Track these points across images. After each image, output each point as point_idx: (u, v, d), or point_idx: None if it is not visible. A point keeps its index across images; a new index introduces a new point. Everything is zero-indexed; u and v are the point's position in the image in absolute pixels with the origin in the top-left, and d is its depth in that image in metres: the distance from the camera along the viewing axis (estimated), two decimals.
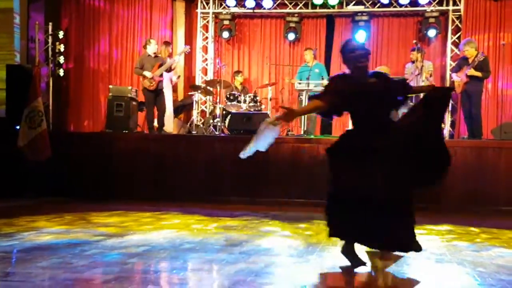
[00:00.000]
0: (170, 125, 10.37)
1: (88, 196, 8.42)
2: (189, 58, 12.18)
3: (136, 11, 12.03)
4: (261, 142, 4.18)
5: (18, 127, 8.60)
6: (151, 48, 10.02)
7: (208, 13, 12.28)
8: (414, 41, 10.65)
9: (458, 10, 11.19)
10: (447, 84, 11.03)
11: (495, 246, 5.26)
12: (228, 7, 11.98)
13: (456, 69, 9.57)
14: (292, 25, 11.93)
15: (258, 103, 10.59)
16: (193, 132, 10.29)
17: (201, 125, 11.13)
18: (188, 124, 11.22)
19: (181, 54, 10.90)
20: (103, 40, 12.03)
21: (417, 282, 3.87)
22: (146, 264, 4.19)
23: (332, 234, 4.11)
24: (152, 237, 5.38)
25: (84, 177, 8.77)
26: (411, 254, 4.22)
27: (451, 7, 11.24)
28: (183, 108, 11.65)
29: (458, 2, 11.20)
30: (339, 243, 4.42)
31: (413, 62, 10.03)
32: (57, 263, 4.09)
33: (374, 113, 4.04)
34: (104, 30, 12.02)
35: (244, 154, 4.24)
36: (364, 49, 4.21)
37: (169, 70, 10.28)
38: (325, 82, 10.18)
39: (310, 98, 4.20)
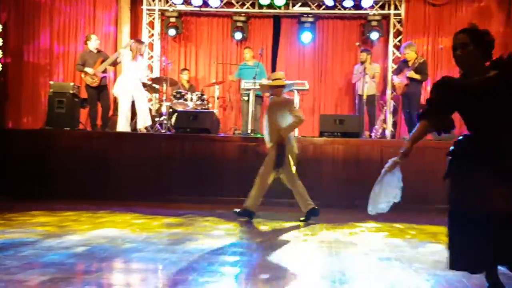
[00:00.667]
0: (147, 123, 10.03)
1: (27, 195, 8.14)
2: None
3: (79, 6, 11.79)
4: (388, 192, 4.00)
5: None
6: (92, 44, 9.85)
7: (154, 10, 12.16)
8: (357, 43, 10.86)
9: (399, 14, 11.51)
10: (389, 86, 11.28)
11: (432, 243, 5.43)
12: (175, 4, 11.90)
13: (397, 72, 9.83)
14: (239, 24, 11.96)
15: (205, 102, 10.57)
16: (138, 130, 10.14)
17: None
18: (133, 122, 11.05)
19: (126, 47, 10.73)
20: (44, 35, 11.72)
21: (357, 278, 3.96)
22: (85, 264, 4.11)
23: (457, 267, 3.41)
24: (92, 236, 5.27)
25: (22, 176, 8.47)
26: (351, 251, 4.30)
27: (392, 11, 11.54)
28: None
29: (399, 7, 11.52)
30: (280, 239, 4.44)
31: (362, 63, 10.20)
32: None
33: (497, 114, 3.36)
34: (44, 25, 11.71)
35: (373, 210, 3.95)
36: None
37: (114, 64, 10.10)
38: (265, 81, 10.25)
39: (418, 117, 3.66)
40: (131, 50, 9.64)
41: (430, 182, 8.10)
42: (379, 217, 6.79)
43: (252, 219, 6.60)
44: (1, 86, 11.44)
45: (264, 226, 6.31)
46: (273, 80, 6.84)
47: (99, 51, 9.96)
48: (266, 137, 6.78)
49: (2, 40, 10.81)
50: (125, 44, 10.78)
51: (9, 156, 8.58)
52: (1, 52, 10.81)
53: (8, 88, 11.61)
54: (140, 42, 9.95)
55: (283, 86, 6.76)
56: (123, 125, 9.48)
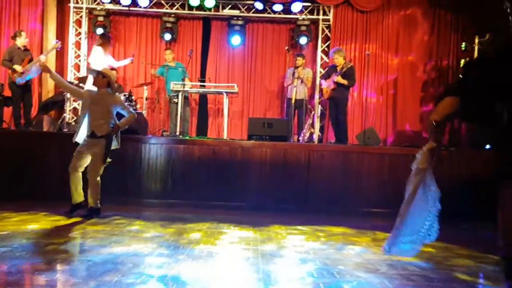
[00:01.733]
0: None
1: None
2: (61, 53, 11.73)
3: (2, 3, 11.36)
4: (417, 221, 3.20)
5: None
6: (21, 41, 9.58)
7: (81, 8, 11.90)
8: (286, 47, 11.04)
9: (328, 20, 11.77)
10: (317, 90, 11.53)
11: (355, 245, 5.61)
12: (103, 3, 11.70)
13: (325, 76, 10.06)
14: (168, 25, 11.90)
15: (133, 102, 10.43)
16: (65, 130, 9.92)
17: (73, 123, 10.74)
18: (59, 121, 10.79)
19: (51, 50, 10.47)
20: None
21: (282, 280, 4.05)
22: (7, 265, 4.00)
23: None
24: (15, 237, 5.12)
25: None
26: (278, 253, 4.37)
27: (321, 17, 11.79)
28: (53, 105, 11.17)
29: (327, 12, 11.78)
30: (203, 241, 4.46)
31: (296, 67, 10.34)
32: None
33: None
34: None
35: (392, 250, 3.31)
36: None
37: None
38: (187, 82, 10.25)
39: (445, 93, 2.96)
40: (101, 46, 9.49)
41: (355, 185, 8.37)
42: (302, 221, 7.05)
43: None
44: None
45: (190, 227, 6.32)
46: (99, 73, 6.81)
47: (26, 49, 9.67)
48: (84, 129, 6.71)
49: None
50: (50, 47, 10.49)
51: None
52: None
53: None
54: (106, 37, 9.86)
55: (109, 79, 6.70)
56: None
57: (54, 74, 6.85)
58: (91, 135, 6.59)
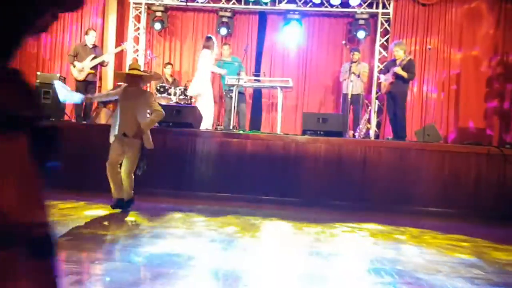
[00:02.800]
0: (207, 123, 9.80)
1: None
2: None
3: None
4: None
5: None
6: (89, 39, 9.86)
7: (140, 3, 12.06)
8: (343, 42, 10.84)
9: (388, 13, 11.49)
10: (374, 85, 11.29)
11: (414, 245, 5.42)
12: None
13: (384, 71, 9.83)
14: (224, 20, 11.89)
15: (188, 96, 10.50)
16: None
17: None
18: None
19: (117, 51, 10.72)
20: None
21: (338, 279, 3.94)
22: (67, 254, 4.05)
23: None
24: (74, 227, 5.21)
25: None
26: (332, 250, 4.27)
27: (380, 10, 11.51)
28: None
29: (387, 5, 11.49)
30: (257, 236, 4.41)
31: (352, 62, 10.17)
32: None
33: None
34: None
35: None
36: None
37: (101, 64, 10.04)
38: (244, 76, 10.21)
39: None
40: (208, 48, 9.70)
41: (413, 184, 8.14)
42: (361, 218, 6.89)
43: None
44: None
45: (242, 221, 6.27)
46: (130, 69, 6.58)
47: (94, 47, 9.91)
48: (122, 128, 6.31)
49: None
50: (117, 49, 10.70)
51: None
52: None
53: None
54: (208, 39, 9.92)
55: (140, 77, 6.46)
56: (209, 123, 9.68)
57: (96, 97, 7.27)
58: (123, 134, 6.31)
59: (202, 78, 9.71)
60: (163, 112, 6.41)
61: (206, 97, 9.76)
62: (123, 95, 6.41)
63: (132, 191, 6.48)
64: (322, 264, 4.28)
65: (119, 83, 10.96)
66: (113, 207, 6.40)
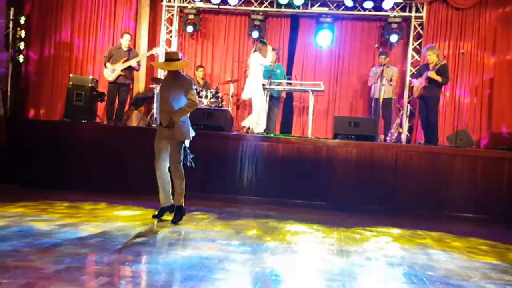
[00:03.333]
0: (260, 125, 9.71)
1: (42, 185, 8.27)
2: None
3: (100, 1, 11.86)
4: None
5: None
6: (123, 42, 10.03)
7: (173, 6, 12.18)
8: (376, 45, 10.79)
9: (421, 17, 11.38)
10: (406, 89, 11.20)
11: (445, 251, 5.38)
12: (194, 1, 11.91)
13: (417, 75, 9.75)
14: (256, 23, 11.93)
15: (220, 99, 10.58)
16: (153, 125, 10.18)
17: None
18: (148, 117, 11.12)
19: (149, 55, 10.87)
20: (66, 28, 11.82)
21: (368, 284, 3.94)
22: (98, 255, 4.14)
23: None
24: (106, 228, 5.31)
25: (39, 165, 8.58)
26: (362, 255, 4.26)
27: (413, 14, 11.41)
28: (143, 101, 11.53)
29: (420, 9, 11.39)
30: (287, 240, 4.43)
31: (380, 65, 10.14)
32: (7, 251, 4.01)
33: None
34: (67, 19, 11.80)
35: None
36: None
37: (134, 69, 10.20)
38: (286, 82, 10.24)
39: None
40: (259, 51, 9.66)
41: (444, 189, 8.07)
42: (391, 223, 6.86)
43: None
44: (23, 77, 11.54)
45: (273, 225, 6.29)
46: (167, 59, 6.16)
47: (129, 50, 10.07)
48: (164, 117, 6.00)
49: (24, 32, 10.86)
50: (149, 52, 10.85)
51: (27, 146, 8.68)
52: (23, 44, 10.85)
53: (29, 79, 11.73)
54: (263, 43, 9.92)
55: (174, 64, 6.09)
56: (262, 127, 9.61)
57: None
58: (161, 124, 6.03)
59: (255, 81, 9.65)
60: (197, 103, 6.07)
61: (259, 101, 9.67)
62: (163, 84, 6.25)
63: (183, 199, 6.08)
64: (352, 268, 4.28)
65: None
66: (156, 216, 6.05)
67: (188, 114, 6.13)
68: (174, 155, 6.02)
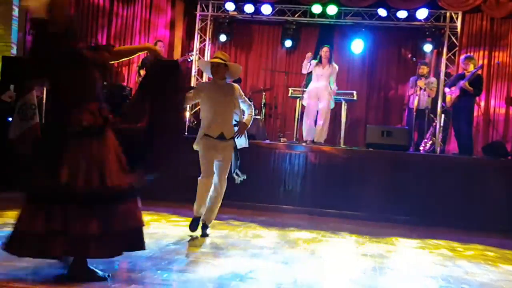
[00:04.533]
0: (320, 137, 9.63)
1: None
2: (185, 59, 12.17)
3: (135, 11, 12.03)
4: None
5: (10, 119, 8.56)
6: None
7: (207, 16, 12.29)
8: (410, 55, 10.71)
9: (455, 27, 11.25)
10: (440, 99, 11.07)
11: (480, 264, 5.31)
12: (227, 11, 12.00)
13: (450, 84, 9.65)
14: (289, 32, 11.95)
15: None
16: (185, 133, 10.27)
17: (194, 127, 11.10)
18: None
19: (182, 61, 11.03)
20: (101, 37, 12.00)
21: None
22: (130, 263, 4.19)
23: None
24: None
25: None
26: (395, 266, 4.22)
27: (448, 23, 11.28)
28: None
29: (455, 19, 11.26)
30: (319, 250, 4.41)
31: (420, 76, 10.04)
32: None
33: None
34: (102, 27, 11.99)
35: None
36: None
37: None
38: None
39: None
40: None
41: (479, 200, 7.95)
42: (425, 234, 6.78)
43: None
44: None
45: (304, 235, 6.28)
46: (214, 57, 5.72)
47: None
48: (217, 128, 5.57)
49: None
50: (183, 58, 11.02)
51: None
52: None
53: None
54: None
55: (225, 67, 5.62)
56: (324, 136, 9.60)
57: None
58: (219, 136, 5.57)
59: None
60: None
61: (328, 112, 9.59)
62: (212, 91, 5.61)
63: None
64: (386, 280, 4.26)
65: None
66: (193, 228, 5.66)
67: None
68: (227, 170, 5.70)
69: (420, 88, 9.87)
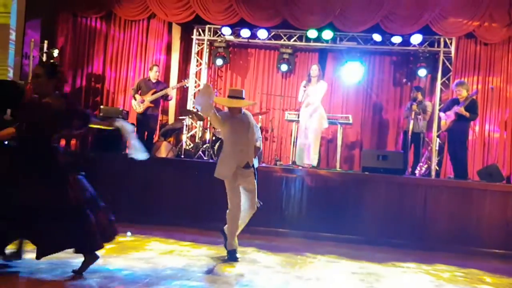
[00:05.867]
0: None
1: None
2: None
3: (132, 34, 12.11)
4: None
5: (6, 142, 8.54)
6: (152, 74, 10.29)
7: (203, 40, 12.39)
8: (404, 79, 10.80)
9: (449, 52, 11.36)
10: (435, 123, 11.12)
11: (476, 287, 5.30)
12: (224, 35, 12.10)
13: (445, 109, 9.70)
14: (285, 56, 12.05)
15: None
16: (182, 156, 10.30)
17: (190, 149, 11.14)
18: (177, 148, 11.24)
19: (179, 87, 11.10)
20: (98, 60, 12.08)
21: None
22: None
23: None
24: (134, 261, 5.35)
25: None
26: None
27: (442, 49, 11.40)
28: (173, 132, 11.68)
29: (449, 44, 11.38)
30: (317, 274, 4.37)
31: (414, 100, 10.13)
32: (36, 283, 4.07)
33: None
34: (99, 51, 12.07)
35: None
36: None
37: (165, 98, 10.40)
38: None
39: None
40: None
41: (474, 224, 7.96)
42: (420, 258, 6.77)
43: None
44: None
45: (300, 259, 6.26)
46: (236, 97, 5.97)
47: (158, 82, 10.29)
48: (243, 158, 5.88)
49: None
50: (179, 84, 11.09)
51: None
52: None
53: None
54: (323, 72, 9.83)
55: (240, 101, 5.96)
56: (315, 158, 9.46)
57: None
58: (245, 166, 5.89)
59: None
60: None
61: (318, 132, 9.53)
62: (235, 123, 5.91)
63: None
64: None
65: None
66: (231, 258, 5.86)
67: None
68: (255, 197, 5.99)
69: (415, 112, 9.94)
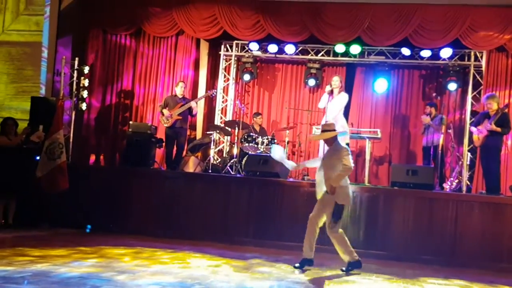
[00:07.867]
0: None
1: (102, 230, 8.47)
2: (210, 98, 12.30)
3: (161, 51, 12.23)
4: None
5: (38, 157, 8.70)
6: (178, 90, 10.40)
7: (231, 55, 12.47)
8: (434, 94, 10.68)
9: (480, 66, 11.20)
10: (466, 137, 10.94)
11: None
12: (251, 51, 12.15)
13: (476, 123, 9.55)
14: (312, 71, 12.04)
15: None
16: (209, 171, 10.33)
17: (218, 164, 11.17)
18: (205, 162, 11.28)
19: (202, 98, 11.21)
20: (127, 76, 12.22)
21: None
22: None
23: None
24: (163, 275, 5.36)
25: (99, 211, 8.82)
26: None
27: (472, 62, 11.26)
28: (200, 147, 11.74)
29: (479, 58, 11.23)
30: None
31: (427, 114, 10.08)
32: None
33: None
34: (128, 67, 12.21)
35: None
36: None
37: (190, 112, 10.46)
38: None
39: None
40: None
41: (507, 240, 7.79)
42: (451, 274, 6.64)
43: (311, 266, 6.52)
44: (85, 125, 11.93)
45: (329, 274, 6.20)
46: (323, 131, 6.81)
47: (183, 97, 10.39)
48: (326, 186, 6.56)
49: (88, 81, 11.25)
50: (204, 94, 11.20)
51: (87, 192, 8.95)
52: (87, 92, 11.23)
53: (90, 127, 12.09)
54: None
55: (334, 137, 6.73)
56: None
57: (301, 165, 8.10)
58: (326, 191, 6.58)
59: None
60: (351, 167, 6.53)
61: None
62: (326, 154, 6.84)
63: (353, 253, 6.60)
64: None
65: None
66: (299, 267, 6.52)
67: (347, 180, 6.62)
68: (327, 220, 6.55)
69: (428, 126, 9.85)
